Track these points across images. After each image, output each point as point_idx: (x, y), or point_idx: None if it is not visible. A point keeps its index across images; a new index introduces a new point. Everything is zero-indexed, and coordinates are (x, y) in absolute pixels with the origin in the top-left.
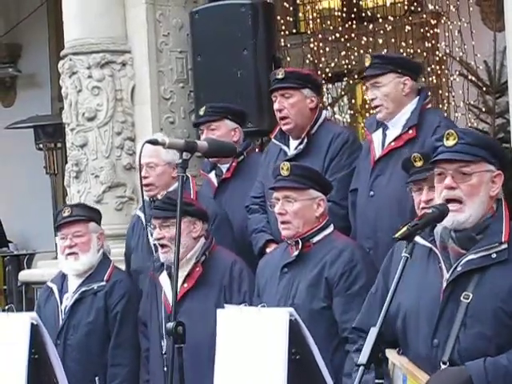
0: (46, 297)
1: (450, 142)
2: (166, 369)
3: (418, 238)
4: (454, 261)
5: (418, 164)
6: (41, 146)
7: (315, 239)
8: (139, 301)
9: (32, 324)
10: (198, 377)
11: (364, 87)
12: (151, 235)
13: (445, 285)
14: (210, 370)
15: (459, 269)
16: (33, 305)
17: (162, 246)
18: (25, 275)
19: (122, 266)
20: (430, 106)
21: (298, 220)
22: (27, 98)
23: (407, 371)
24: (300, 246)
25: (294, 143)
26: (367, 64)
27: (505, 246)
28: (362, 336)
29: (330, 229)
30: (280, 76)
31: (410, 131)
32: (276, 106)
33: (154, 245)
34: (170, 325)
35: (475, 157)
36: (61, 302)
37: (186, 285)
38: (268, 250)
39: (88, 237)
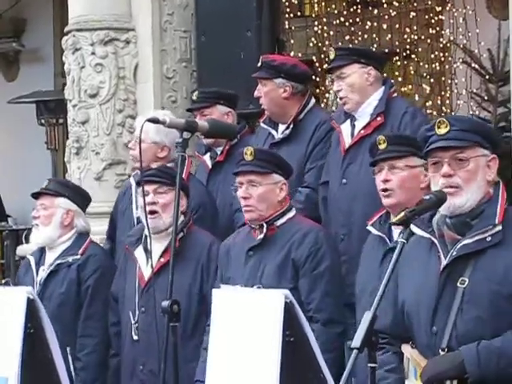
0: (25, 269)
1: (443, 130)
2: (136, 337)
3: (417, 230)
4: (450, 247)
5: (382, 146)
6: (43, 121)
7: (279, 222)
8: (113, 275)
9: (28, 298)
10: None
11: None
12: (136, 208)
13: (441, 270)
14: (181, 343)
15: (454, 254)
16: None
17: (152, 212)
18: (22, 250)
19: None
20: (395, 94)
21: (262, 204)
22: (30, 73)
23: (416, 363)
24: (265, 230)
25: (281, 128)
26: (331, 57)
27: (499, 227)
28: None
29: (292, 212)
30: (259, 64)
31: (378, 118)
32: (255, 93)
33: (137, 218)
34: (165, 303)
35: (469, 142)
36: (37, 274)
37: (162, 259)
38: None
39: (51, 211)
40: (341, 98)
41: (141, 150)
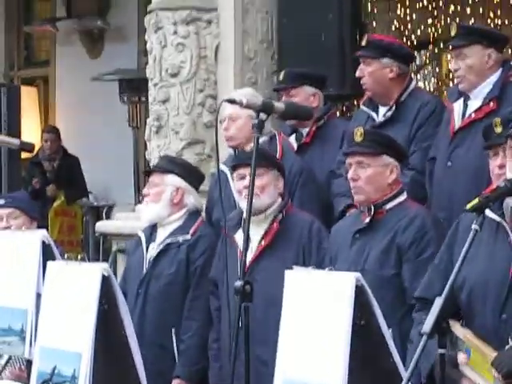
0: (135, 245)
1: None
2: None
3: (487, 211)
4: None
5: (498, 130)
6: (125, 99)
7: (388, 206)
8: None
9: (103, 275)
10: (272, 333)
11: (449, 56)
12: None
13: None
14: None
15: None
16: (109, 256)
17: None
18: (101, 226)
19: None
20: None
21: (370, 186)
22: (114, 50)
23: (472, 344)
24: (372, 213)
25: (382, 110)
26: (453, 33)
27: None
28: (427, 304)
29: (403, 196)
30: (363, 43)
31: (491, 104)
32: (357, 72)
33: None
34: (238, 283)
35: None
36: (147, 252)
37: (263, 242)
38: (348, 215)
39: (161, 188)
40: (458, 77)
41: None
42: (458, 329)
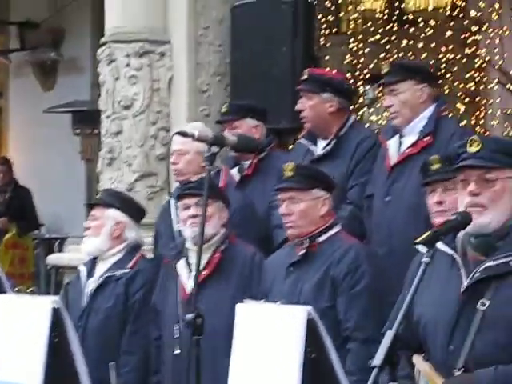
0: (76, 279)
1: (474, 149)
2: (178, 351)
3: (441, 245)
4: (473, 267)
5: (435, 167)
6: (78, 131)
7: (321, 239)
8: None
9: (54, 308)
10: (211, 364)
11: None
12: (176, 222)
13: (462, 291)
14: (224, 357)
15: (477, 275)
16: (60, 289)
17: (194, 223)
18: (53, 259)
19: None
20: (445, 113)
21: (303, 220)
22: (67, 82)
23: (429, 377)
24: (306, 246)
25: (321, 144)
26: (385, 71)
27: None
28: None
29: (337, 228)
30: (304, 77)
31: (427, 138)
32: (297, 106)
33: (178, 231)
34: (190, 316)
35: (498, 163)
36: (87, 286)
37: (205, 272)
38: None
39: (101, 222)
40: (391, 113)
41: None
42: (419, 362)
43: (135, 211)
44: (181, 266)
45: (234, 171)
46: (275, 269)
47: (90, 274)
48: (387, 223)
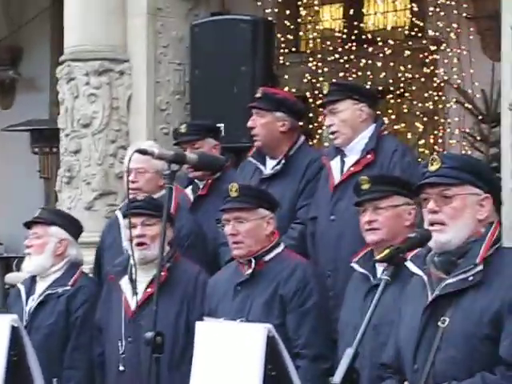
0: (15, 298)
1: (434, 167)
2: (122, 368)
3: (412, 267)
4: (435, 285)
5: (365, 186)
6: (36, 149)
7: (267, 257)
8: None
9: (12, 326)
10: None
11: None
12: (125, 239)
13: (424, 309)
14: (167, 370)
15: (437, 293)
16: None
17: (141, 244)
18: (11, 278)
19: None
20: (386, 132)
21: (249, 239)
22: (26, 101)
23: None
24: (253, 265)
25: (270, 163)
26: (325, 91)
27: (480, 267)
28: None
29: (281, 247)
30: (258, 95)
31: (368, 156)
32: (249, 123)
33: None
34: (149, 334)
35: (457, 180)
36: (26, 304)
37: (149, 289)
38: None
39: (44, 240)
40: (332, 133)
41: (128, 181)
42: None
43: (75, 228)
44: (124, 282)
45: (188, 191)
46: (221, 287)
47: (29, 292)
48: (333, 242)
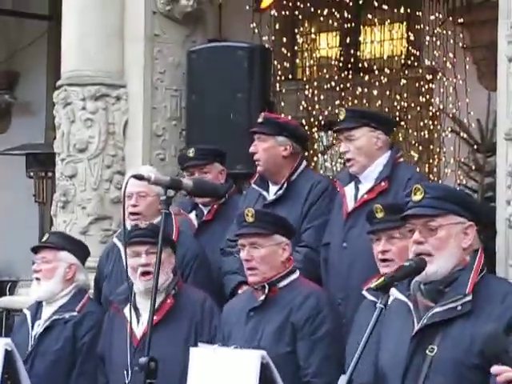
0: (21, 323)
1: (417, 197)
2: None
3: (396, 293)
4: (423, 314)
5: (380, 215)
6: (31, 173)
7: (281, 284)
8: None
9: (6, 350)
10: None
11: (337, 140)
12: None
13: (412, 337)
14: None
15: (425, 321)
16: (11, 331)
17: (146, 273)
18: (5, 301)
19: None
20: (401, 160)
21: (264, 265)
22: (21, 125)
23: None
24: (266, 291)
25: (273, 189)
26: (341, 117)
27: (469, 297)
28: None
29: (296, 274)
30: (260, 120)
31: (383, 183)
32: (251, 148)
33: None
34: (143, 360)
35: (441, 210)
36: (32, 329)
37: (155, 317)
38: (240, 291)
39: (54, 265)
40: (348, 160)
41: (124, 207)
42: None
43: (83, 253)
44: (128, 311)
45: (192, 216)
46: (235, 314)
47: (35, 317)
48: (345, 269)
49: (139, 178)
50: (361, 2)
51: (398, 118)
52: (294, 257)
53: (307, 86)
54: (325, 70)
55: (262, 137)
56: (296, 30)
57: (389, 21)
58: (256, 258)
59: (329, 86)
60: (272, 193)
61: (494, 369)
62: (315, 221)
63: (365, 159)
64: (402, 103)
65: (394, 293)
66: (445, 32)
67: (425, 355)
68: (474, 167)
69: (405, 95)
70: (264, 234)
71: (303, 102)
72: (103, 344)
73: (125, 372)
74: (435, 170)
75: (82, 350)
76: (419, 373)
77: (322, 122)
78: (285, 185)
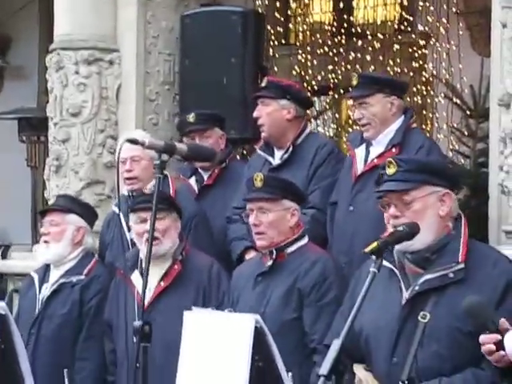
0: (28, 286)
1: (391, 171)
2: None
3: None
4: (412, 280)
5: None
6: (24, 138)
7: (289, 250)
8: None
9: (0, 314)
10: (170, 375)
11: (351, 105)
12: (128, 231)
13: (403, 303)
14: None
15: (417, 288)
16: (5, 295)
17: (154, 238)
18: None
19: None
20: (414, 125)
21: (272, 230)
22: (14, 89)
23: None
24: (274, 256)
25: (278, 153)
26: (354, 83)
27: (462, 265)
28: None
29: (305, 240)
30: (263, 84)
31: (394, 149)
32: (254, 113)
33: (131, 240)
34: (137, 323)
35: (414, 183)
36: (39, 292)
37: (162, 283)
38: (247, 257)
39: (62, 227)
40: (363, 126)
41: (118, 173)
42: (361, 372)
43: (91, 216)
44: (136, 277)
45: (192, 181)
46: (243, 279)
47: (42, 281)
48: (350, 233)
49: (133, 142)
50: None
51: None
52: (302, 219)
53: (300, 51)
54: (318, 35)
55: (265, 101)
56: None
57: None
58: (264, 222)
59: (322, 51)
60: (277, 157)
61: (482, 338)
62: (321, 182)
63: (380, 125)
64: (395, 69)
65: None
66: None
67: (417, 322)
68: (466, 133)
69: (398, 61)
70: (272, 198)
71: (296, 67)
72: (110, 310)
73: (134, 338)
74: (428, 135)
75: (89, 314)
76: (411, 339)
77: (315, 87)
78: (290, 148)
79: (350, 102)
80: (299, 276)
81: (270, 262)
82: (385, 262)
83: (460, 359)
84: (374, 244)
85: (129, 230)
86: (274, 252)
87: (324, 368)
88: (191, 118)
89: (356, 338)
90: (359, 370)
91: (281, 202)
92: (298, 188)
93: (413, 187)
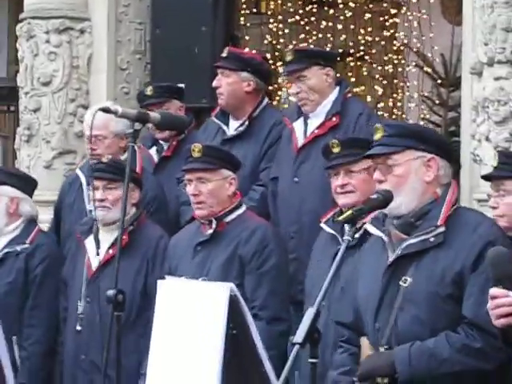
0: None
1: (377, 136)
2: (79, 328)
3: (372, 229)
4: (397, 246)
5: (336, 150)
6: None
7: (228, 218)
8: (62, 264)
9: None
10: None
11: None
12: (88, 198)
13: (385, 268)
14: (124, 335)
15: (399, 253)
16: None
17: (102, 207)
18: None
19: None
20: (350, 94)
21: (211, 200)
22: None
23: (363, 355)
24: (214, 225)
25: (234, 124)
26: (289, 59)
27: (442, 229)
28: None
29: (243, 208)
30: (224, 54)
31: (334, 119)
32: (214, 82)
33: (90, 211)
34: (111, 292)
35: (396, 147)
36: None
37: (111, 251)
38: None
39: None
40: (300, 100)
41: (91, 138)
42: (364, 342)
43: (27, 185)
44: (89, 242)
45: (152, 151)
46: (182, 247)
47: None
48: (297, 203)
49: (106, 110)
50: None
51: (362, 53)
52: (251, 195)
53: (271, 20)
54: (289, 4)
55: (225, 72)
56: None
57: None
58: (203, 192)
59: (293, 19)
60: (232, 128)
61: (493, 291)
62: (272, 161)
63: (318, 98)
64: (367, 37)
65: (370, 229)
66: None
67: (398, 286)
68: (437, 101)
69: (369, 29)
70: (211, 168)
71: (267, 36)
72: (67, 269)
73: (78, 302)
74: (399, 104)
75: (34, 282)
76: (392, 304)
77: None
78: (246, 121)
79: (290, 77)
80: (240, 244)
81: (210, 231)
82: (377, 232)
83: (439, 324)
84: (349, 212)
85: (88, 197)
86: (214, 221)
87: (299, 336)
88: (149, 91)
89: (360, 312)
90: (363, 341)
91: (219, 172)
92: (235, 156)
93: (395, 151)
